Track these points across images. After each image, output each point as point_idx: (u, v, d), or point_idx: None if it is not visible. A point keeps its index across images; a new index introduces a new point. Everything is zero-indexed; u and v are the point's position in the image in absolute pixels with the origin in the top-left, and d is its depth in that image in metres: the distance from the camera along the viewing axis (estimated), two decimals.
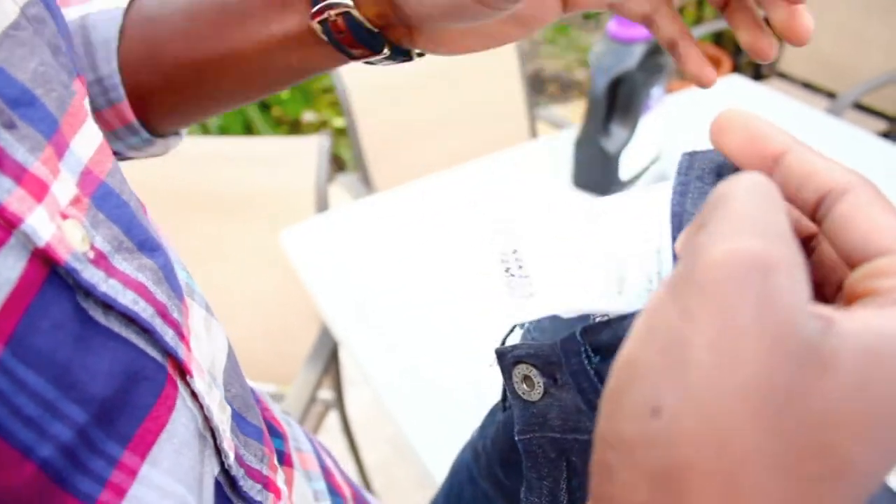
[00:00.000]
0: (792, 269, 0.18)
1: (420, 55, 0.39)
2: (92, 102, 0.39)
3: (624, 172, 1.18)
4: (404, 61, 0.38)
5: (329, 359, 1.19)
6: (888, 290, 0.19)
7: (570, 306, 0.27)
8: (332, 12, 0.34)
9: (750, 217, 0.18)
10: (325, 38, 0.35)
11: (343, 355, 1.23)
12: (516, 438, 0.30)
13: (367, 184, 1.55)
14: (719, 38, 2.78)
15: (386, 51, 0.36)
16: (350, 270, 1.08)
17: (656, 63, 1.13)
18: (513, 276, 0.27)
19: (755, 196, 0.19)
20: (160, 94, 0.39)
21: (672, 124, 1.27)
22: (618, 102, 1.14)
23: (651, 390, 0.18)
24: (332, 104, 2.69)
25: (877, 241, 0.20)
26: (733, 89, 1.52)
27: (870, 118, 2.07)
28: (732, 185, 0.19)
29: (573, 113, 2.69)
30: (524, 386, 0.29)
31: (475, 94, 1.63)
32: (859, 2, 2.03)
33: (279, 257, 1.18)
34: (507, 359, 0.29)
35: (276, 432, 0.39)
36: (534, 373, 0.28)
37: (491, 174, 1.28)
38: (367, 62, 0.38)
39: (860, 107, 2.08)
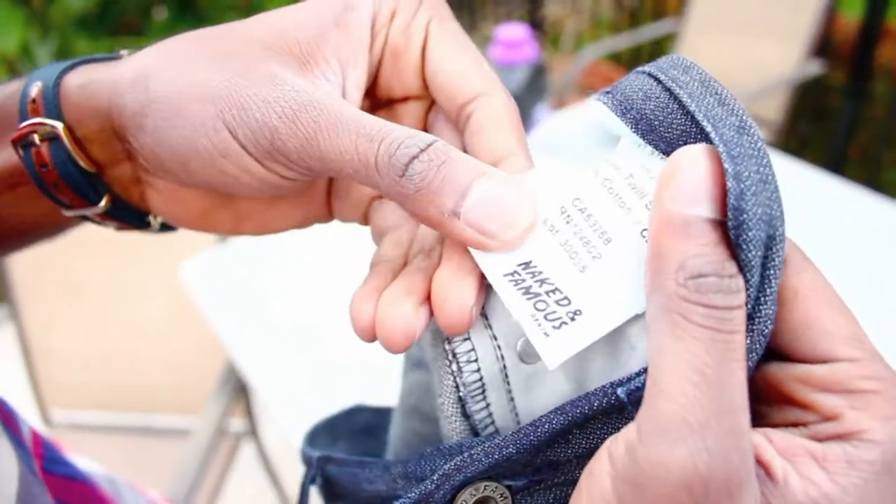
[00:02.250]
0: (730, 482, 0.16)
1: (165, 228, 0.28)
2: None
3: None
4: (135, 228, 0.27)
5: (237, 389, 1.18)
6: (832, 422, 0.17)
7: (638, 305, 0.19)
8: (37, 135, 0.23)
9: (691, 413, 0.17)
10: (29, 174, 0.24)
11: None
12: None
13: None
14: (616, 58, 2.90)
15: (103, 203, 0.25)
16: (252, 301, 1.08)
17: (539, 84, 1.20)
18: (537, 296, 0.18)
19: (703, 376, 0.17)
20: None
21: None
22: None
23: None
24: None
25: (821, 341, 0.18)
26: None
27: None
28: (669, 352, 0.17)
29: None
30: None
31: None
32: (737, 15, 2.15)
33: (183, 290, 1.17)
34: (439, 493, 0.21)
35: None
36: (494, 488, 0.20)
37: None
38: (83, 218, 0.27)
39: None
